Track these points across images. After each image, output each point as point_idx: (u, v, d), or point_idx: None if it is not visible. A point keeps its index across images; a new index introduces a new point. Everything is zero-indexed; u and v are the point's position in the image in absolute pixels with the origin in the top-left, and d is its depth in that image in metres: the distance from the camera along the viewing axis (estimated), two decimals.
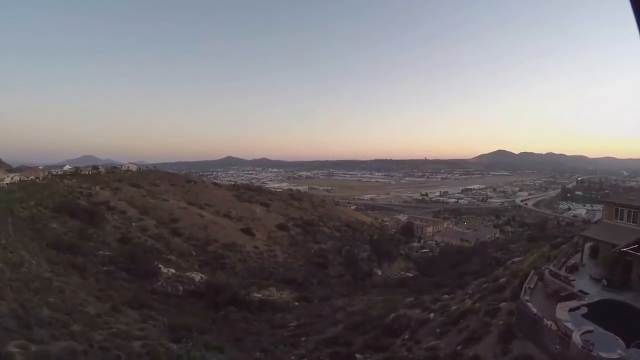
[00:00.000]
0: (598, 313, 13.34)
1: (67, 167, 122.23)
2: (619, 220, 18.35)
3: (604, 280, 15.24)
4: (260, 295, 43.37)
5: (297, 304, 43.47)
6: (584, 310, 13.48)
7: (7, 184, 72.90)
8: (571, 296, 14.36)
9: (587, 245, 18.82)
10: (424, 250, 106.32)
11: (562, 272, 16.46)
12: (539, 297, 15.36)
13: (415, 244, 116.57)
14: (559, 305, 13.63)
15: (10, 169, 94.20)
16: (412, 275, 75.12)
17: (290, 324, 32.00)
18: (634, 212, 17.45)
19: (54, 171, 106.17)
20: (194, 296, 37.39)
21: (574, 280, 15.46)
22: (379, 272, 76.38)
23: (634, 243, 14.96)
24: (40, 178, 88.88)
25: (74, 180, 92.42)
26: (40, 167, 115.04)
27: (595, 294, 14.52)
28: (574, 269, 17.21)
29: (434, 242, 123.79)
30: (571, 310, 13.31)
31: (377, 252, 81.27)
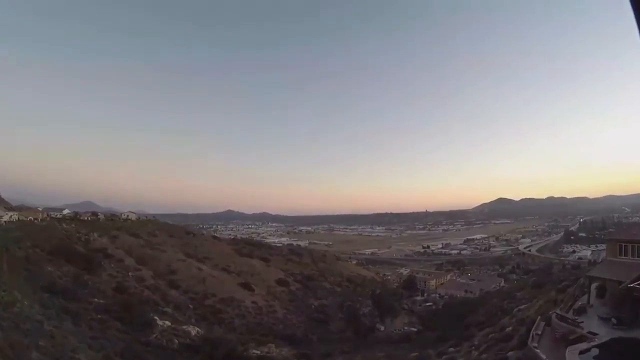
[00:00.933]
0: (609, 353, 12.94)
1: (66, 211, 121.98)
2: (623, 257, 18.35)
3: (613, 319, 14.96)
4: (259, 352, 41.67)
5: None
6: (595, 351, 13.09)
7: (5, 221, 72.43)
8: (581, 338, 14.03)
9: (593, 285, 18.61)
10: (427, 304, 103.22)
11: (570, 315, 16.17)
12: (547, 343, 15.00)
13: (418, 298, 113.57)
14: (568, 349, 13.27)
15: (9, 207, 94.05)
16: (415, 329, 72.59)
17: None
18: (637, 247, 17.48)
19: (53, 214, 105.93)
20: (190, 350, 35.84)
21: (582, 322, 15.16)
22: (382, 328, 73.90)
23: None
24: (39, 219, 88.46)
25: (73, 225, 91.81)
26: (40, 209, 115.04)
27: (604, 333, 14.20)
28: (581, 310, 16.90)
29: (437, 295, 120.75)
30: (581, 352, 12.94)
31: (379, 307, 79.27)
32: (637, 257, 17.40)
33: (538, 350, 13.93)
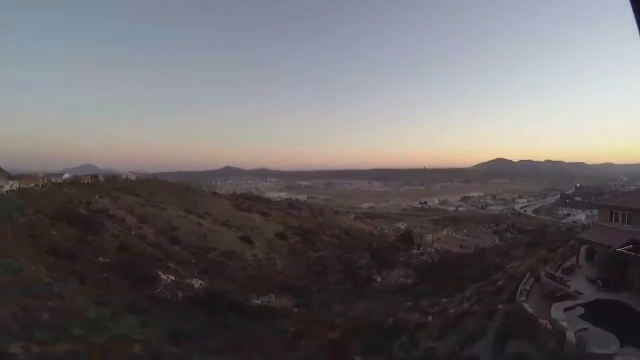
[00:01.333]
0: (593, 312, 13.56)
1: (66, 176, 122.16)
2: (613, 223, 18.70)
3: (599, 280, 15.53)
4: (260, 302, 43.36)
5: (296, 310, 43.41)
6: (580, 310, 13.71)
7: (6, 191, 72.92)
8: (567, 297, 14.62)
9: (583, 248, 19.13)
10: (423, 258, 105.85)
11: (558, 274, 16.73)
12: (535, 299, 15.62)
13: (414, 252, 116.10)
14: (554, 305, 13.87)
15: (9, 177, 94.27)
16: (411, 281, 75.00)
17: (290, 329, 32.00)
18: (628, 214, 17.81)
19: (53, 179, 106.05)
20: (193, 302, 37.34)
21: (570, 281, 15.74)
22: (379, 279, 76.23)
23: (628, 243, 15.26)
24: (40, 186, 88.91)
25: (73, 189, 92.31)
26: (40, 175, 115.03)
27: (590, 294, 14.79)
28: (570, 270, 17.50)
29: (433, 250, 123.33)
30: (566, 309, 13.55)
31: (376, 259, 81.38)
32: (627, 224, 17.75)
33: (525, 305, 14.54)
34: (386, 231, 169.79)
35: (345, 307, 41.44)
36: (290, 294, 55.29)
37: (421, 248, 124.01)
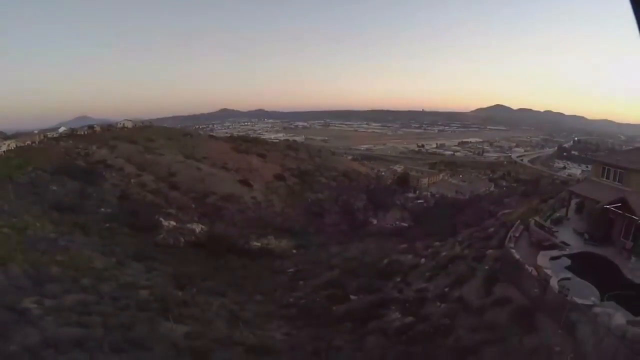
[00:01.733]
0: (578, 264, 14.18)
1: (62, 129, 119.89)
2: (605, 179, 18.93)
3: (586, 234, 16.00)
4: (259, 244, 44.88)
5: (294, 251, 45.14)
6: (566, 261, 14.32)
7: (3, 151, 72.14)
8: (554, 246, 15.18)
9: (574, 201, 19.49)
10: (419, 201, 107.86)
11: (547, 224, 17.21)
12: (523, 246, 16.23)
13: (410, 195, 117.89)
14: (540, 253, 14.46)
15: (5, 137, 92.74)
16: (407, 225, 77.16)
17: (289, 270, 33.59)
18: (620, 172, 17.98)
19: (49, 134, 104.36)
20: (195, 247, 38.74)
21: (558, 232, 16.24)
22: (375, 222, 78.25)
23: (617, 201, 15.55)
24: (37, 142, 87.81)
25: (70, 142, 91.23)
26: (35, 132, 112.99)
27: (577, 246, 15.34)
28: (558, 222, 17.99)
29: (429, 194, 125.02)
30: (552, 258, 14.16)
31: (373, 201, 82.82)
32: (618, 181, 17.93)
33: (513, 251, 15.18)
34: (383, 173, 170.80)
35: (342, 248, 43.19)
36: (288, 235, 57.16)
37: (417, 192, 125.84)
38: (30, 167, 59.16)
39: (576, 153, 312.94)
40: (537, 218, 17.94)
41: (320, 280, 26.79)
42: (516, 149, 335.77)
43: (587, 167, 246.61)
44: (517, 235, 17.09)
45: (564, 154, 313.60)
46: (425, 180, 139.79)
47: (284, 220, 72.07)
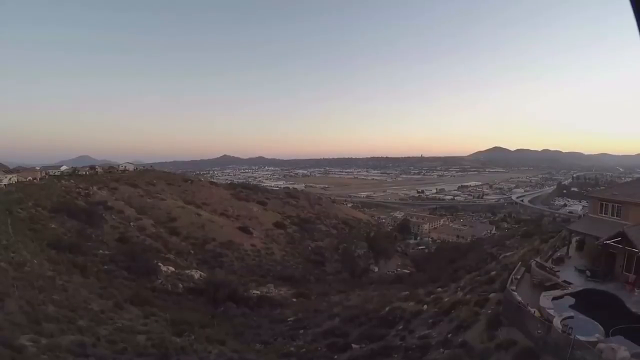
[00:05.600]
0: (581, 302, 14.11)
1: (64, 168, 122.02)
2: (604, 215, 19.12)
3: (587, 271, 16.01)
4: (259, 292, 44.02)
5: (294, 300, 44.15)
6: (570, 299, 14.26)
7: (5, 185, 72.93)
8: (556, 286, 15.15)
9: (574, 238, 19.60)
10: (420, 247, 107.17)
11: (548, 264, 17.25)
12: (525, 287, 16.17)
13: (411, 241, 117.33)
14: (543, 294, 14.43)
15: (7, 170, 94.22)
16: (408, 271, 75.91)
17: (289, 319, 32.71)
18: (617, 206, 18.24)
19: (51, 172, 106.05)
20: (194, 293, 37.95)
21: (559, 271, 16.28)
22: (376, 269, 76.97)
23: (616, 236, 15.74)
24: (38, 179, 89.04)
25: (71, 181, 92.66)
26: (38, 168, 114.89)
27: (579, 284, 15.30)
28: (560, 261, 18.01)
29: (430, 239, 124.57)
30: (555, 298, 14.10)
31: (373, 249, 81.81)
32: (616, 216, 18.18)
33: (515, 293, 15.09)
34: (383, 220, 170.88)
35: (343, 297, 42.29)
36: (288, 284, 56.10)
37: (418, 238, 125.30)
38: (30, 203, 59.30)
39: (576, 189, 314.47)
40: (537, 259, 17.98)
41: (321, 329, 26.12)
42: (516, 189, 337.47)
43: (587, 202, 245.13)
44: (518, 277, 17.07)
45: (564, 191, 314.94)
46: (426, 226, 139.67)
47: (284, 268, 71.04)
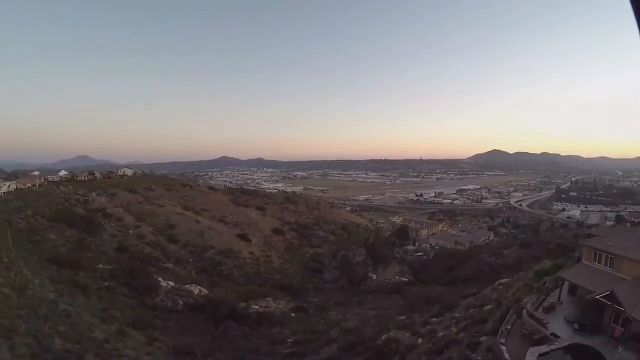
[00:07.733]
0: (566, 357, 14.73)
1: (63, 173, 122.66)
2: (597, 264, 19.53)
3: (576, 324, 16.58)
4: (258, 307, 44.61)
5: (293, 314, 44.81)
6: (554, 355, 14.86)
7: (3, 192, 73.27)
8: (544, 339, 15.74)
9: (567, 283, 20.11)
10: (418, 254, 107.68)
11: (538, 314, 17.84)
12: (515, 338, 16.76)
13: (409, 247, 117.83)
14: (530, 350, 15.04)
15: (6, 177, 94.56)
16: (406, 279, 76.42)
17: (288, 340, 33.36)
18: (611, 257, 18.70)
19: (50, 177, 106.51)
20: (194, 310, 38.47)
21: (548, 323, 16.84)
22: (374, 277, 77.45)
23: (606, 292, 16.29)
24: (37, 185, 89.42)
25: (70, 187, 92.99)
26: (36, 173, 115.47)
27: (566, 337, 15.87)
28: (550, 309, 18.56)
29: (428, 245, 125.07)
30: (541, 355, 14.70)
31: (372, 256, 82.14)
32: (610, 267, 18.54)
33: (503, 348, 15.65)
34: (382, 225, 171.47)
35: (341, 313, 42.94)
36: (287, 294, 56.51)
37: (416, 244, 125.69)
38: (29, 212, 59.71)
39: (574, 194, 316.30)
40: (529, 306, 18.59)
41: (319, 357, 26.78)
42: (514, 193, 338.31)
43: (585, 207, 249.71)
44: (509, 327, 17.58)
45: (562, 195, 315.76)
46: (424, 232, 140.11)
47: (283, 277, 71.53)
